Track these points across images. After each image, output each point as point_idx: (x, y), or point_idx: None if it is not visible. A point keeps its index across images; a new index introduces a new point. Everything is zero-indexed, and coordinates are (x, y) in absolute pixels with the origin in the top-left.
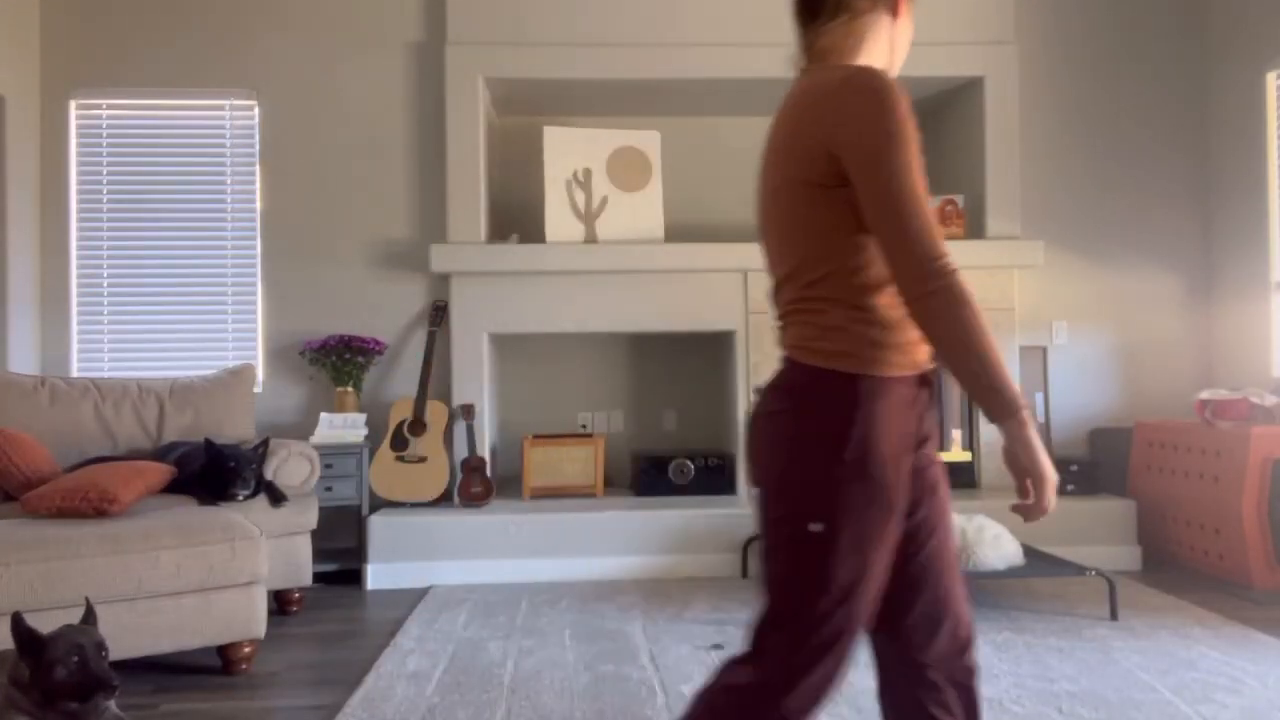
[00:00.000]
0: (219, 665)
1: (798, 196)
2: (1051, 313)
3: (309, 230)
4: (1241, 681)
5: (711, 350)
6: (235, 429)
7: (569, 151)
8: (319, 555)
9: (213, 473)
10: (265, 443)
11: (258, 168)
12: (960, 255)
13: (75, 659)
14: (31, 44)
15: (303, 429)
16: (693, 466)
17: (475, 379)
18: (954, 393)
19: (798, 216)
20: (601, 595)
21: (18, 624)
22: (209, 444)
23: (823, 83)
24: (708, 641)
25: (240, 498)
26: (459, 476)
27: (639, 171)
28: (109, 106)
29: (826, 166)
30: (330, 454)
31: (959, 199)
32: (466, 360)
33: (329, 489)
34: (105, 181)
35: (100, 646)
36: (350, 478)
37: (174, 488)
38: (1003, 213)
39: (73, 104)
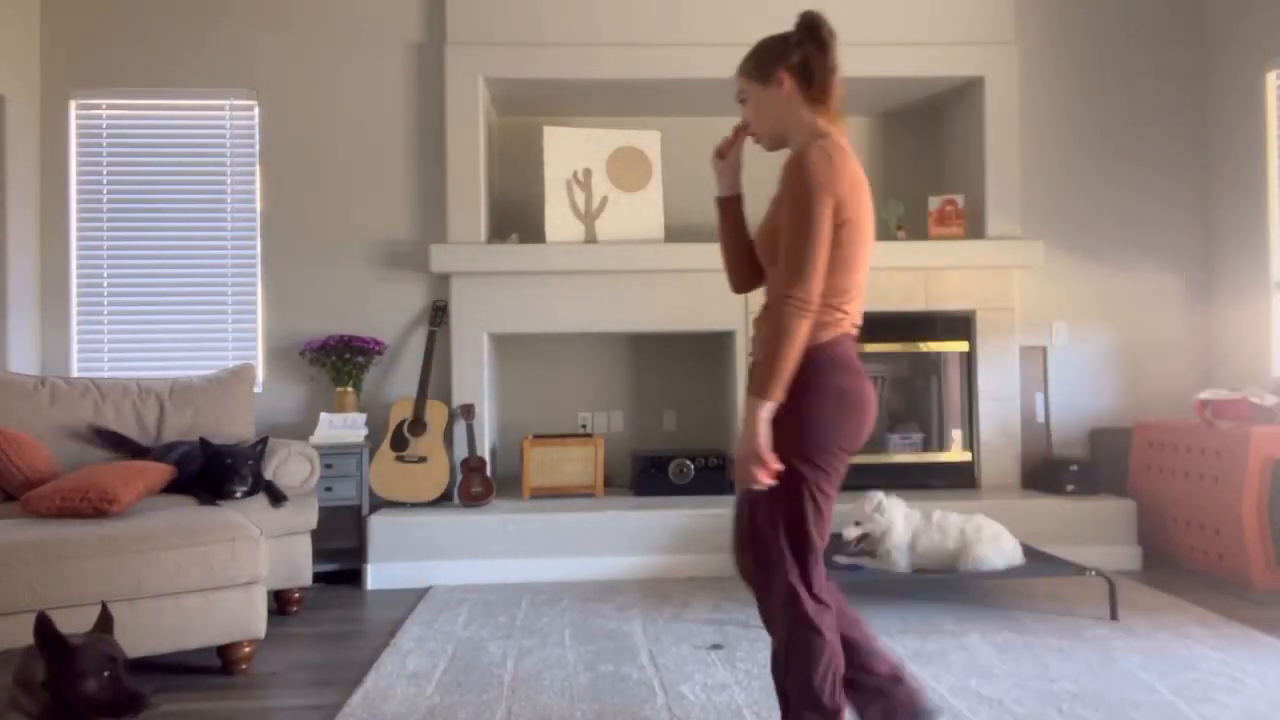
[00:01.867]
0: (219, 665)
1: None
2: (1051, 313)
3: (309, 230)
4: (1241, 681)
5: (711, 350)
6: (235, 429)
7: (569, 151)
8: (319, 555)
9: (210, 471)
10: (264, 441)
11: (258, 168)
12: (960, 255)
13: (107, 673)
14: (31, 44)
15: (303, 429)
16: (692, 466)
17: (475, 379)
18: (953, 393)
19: None
20: (601, 595)
21: (45, 627)
22: (205, 443)
23: None
24: (707, 641)
25: (239, 495)
26: (459, 476)
27: (639, 171)
28: (109, 106)
29: None
30: (330, 454)
31: (959, 199)
32: (466, 360)
33: (329, 489)
34: (105, 181)
35: (126, 661)
36: (350, 478)
37: (174, 487)
38: (1003, 213)
39: (73, 104)
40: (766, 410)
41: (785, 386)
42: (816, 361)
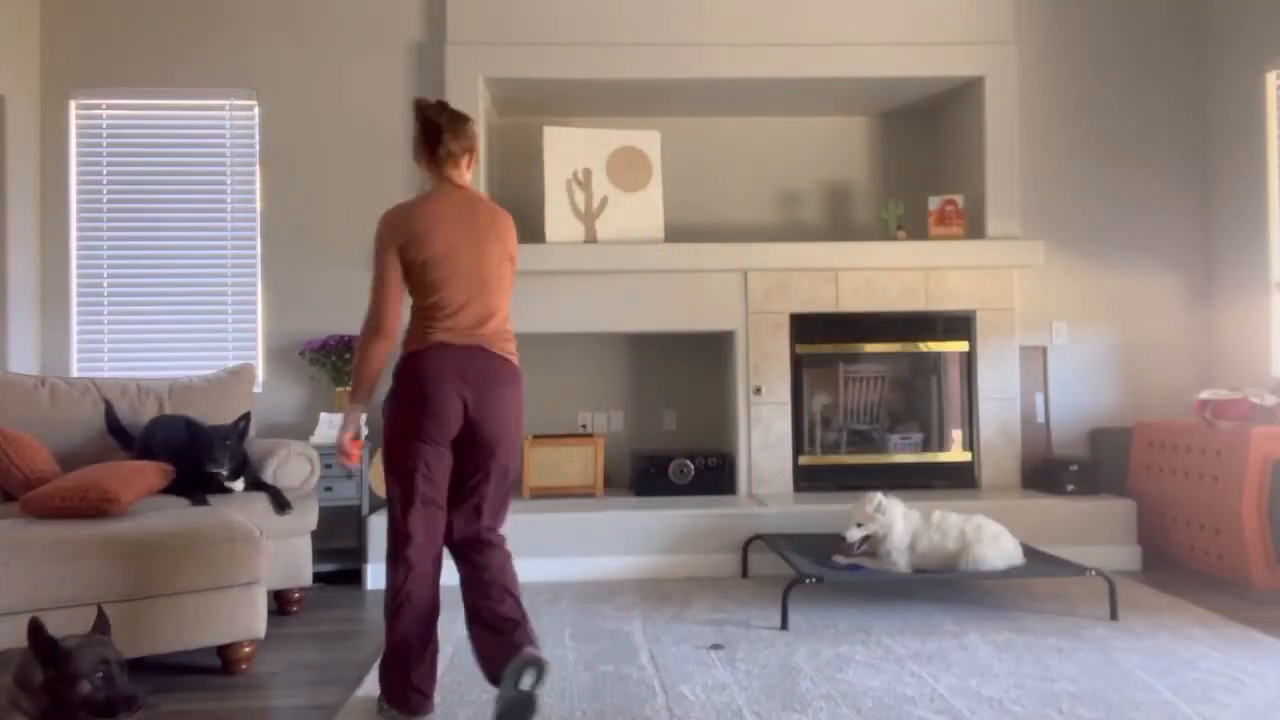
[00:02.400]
0: (219, 665)
1: (506, 267)
2: (1051, 313)
3: (309, 230)
4: (1241, 681)
5: (711, 350)
6: None
7: (569, 151)
8: (319, 555)
9: (192, 457)
10: (245, 417)
11: (258, 168)
12: (960, 255)
13: (100, 675)
14: (31, 44)
15: (303, 429)
16: (692, 466)
17: None
18: (953, 393)
19: (506, 278)
20: (601, 595)
21: (37, 633)
22: (189, 422)
23: (492, 203)
24: (707, 641)
25: (223, 475)
26: None
27: (639, 171)
28: (109, 106)
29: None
30: (330, 454)
31: (959, 199)
32: None
33: (329, 489)
34: (105, 181)
35: (121, 662)
36: (350, 478)
37: (171, 488)
38: (1003, 213)
39: (73, 104)
40: (354, 410)
41: (366, 391)
42: (397, 371)
